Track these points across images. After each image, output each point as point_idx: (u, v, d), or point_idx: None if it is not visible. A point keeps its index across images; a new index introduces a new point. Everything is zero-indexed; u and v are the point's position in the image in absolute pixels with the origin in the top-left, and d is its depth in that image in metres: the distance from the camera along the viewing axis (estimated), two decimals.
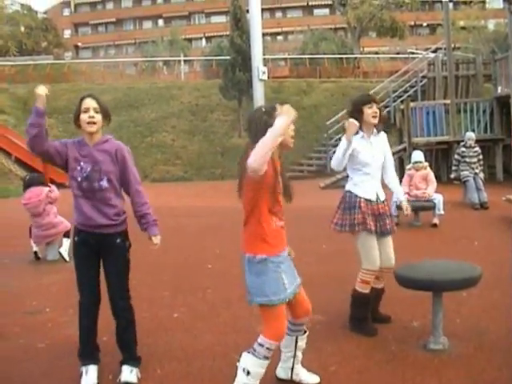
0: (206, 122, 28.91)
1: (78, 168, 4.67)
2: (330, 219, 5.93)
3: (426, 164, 12.66)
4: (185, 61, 46.75)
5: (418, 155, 12.57)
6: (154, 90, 31.42)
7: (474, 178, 14.68)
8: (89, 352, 4.85)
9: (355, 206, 5.77)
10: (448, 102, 20.26)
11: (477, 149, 15.31)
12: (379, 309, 6.19)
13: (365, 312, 5.84)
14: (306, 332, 4.67)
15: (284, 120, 3.88)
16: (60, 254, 9.72)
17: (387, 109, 24.78)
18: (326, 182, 20.31)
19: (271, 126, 3.90)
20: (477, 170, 14.96)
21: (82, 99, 4.70)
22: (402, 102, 23.59)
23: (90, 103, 4.67)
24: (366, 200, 5.80)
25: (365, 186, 5.82)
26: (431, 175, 12.40)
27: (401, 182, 10.96)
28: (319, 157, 25.35)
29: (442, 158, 21.14)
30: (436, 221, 11.89)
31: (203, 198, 18.56)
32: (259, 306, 4.24)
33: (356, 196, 5.81)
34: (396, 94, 25.66)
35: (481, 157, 15.31)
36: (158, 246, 4.91)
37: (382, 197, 5.95)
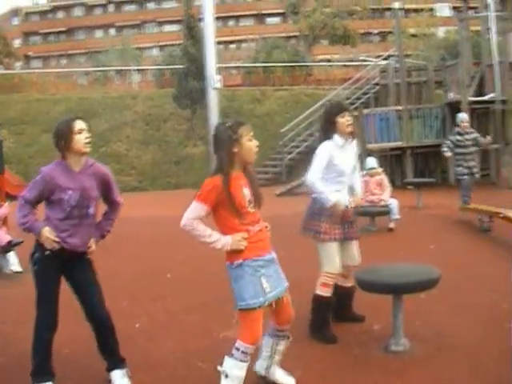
0: (160, 131, 28.77)
1: (66, 197, 4.64)
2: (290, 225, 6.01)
3: (381, 170, 12.79)
4: (137, 70, 46.58)
5: (372, 161, 12.70)
6: (107, 99, 31.17)
7: (468, 178, 13.16)
8: (47, 368, 4.79)
9: (324, 213, 5.81)
10: (401, 108, 20.53)
11: (474, 135, 13.31)
12: (352, 308, 6.30)
13: (325, 316, 5.89)
14: (288, 338, 4.76)
15: (223, 245, 4.29)
16: (13, 271, 9.61)
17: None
18: (282, 189, 20.44)
19: (235, 140, 4.25)
20: (473, 164, 13.21)
21: (71, 121, 4.71)
22: (355, 108, 23.84)
23: (82, 124, 4.73)
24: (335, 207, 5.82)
25: (336, 195, 5.81)
26: (386, 181, 12.55)
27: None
28: (274, 164, 25.40)
29: (395, 163, 21.41)
30: (392, 225, 12.06)
31: (159, 207, 18.50)
32: (239, 310, 4.33)
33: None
34: (349, 101, 25.89)
35: (481, 140, 13.41)
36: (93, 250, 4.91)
37: (351, 204, 6.04)
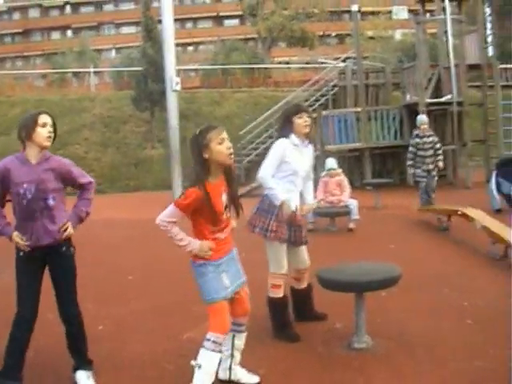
0: (119, 133, 28.66)
1: (22, 191, 4.61)
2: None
3: (340, 170, 12.89)
4: (94, 72, 46.29)
5: (331, 162, 12.78)
6: (65, 101, 30.94)
7: (428, 180, 13.34)
8: (18, 370, 4.74)
9: (273, 212, 5.79)
10: (359, 109, 20.71)
11: (432, 138, 13.46)
12: (313, 307, 6.34)
13: (283, 316, 5.93)
14: (244, 331, 4.83)
15: (192, 249, 4.39)
16: None
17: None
18: (241, 191, 20.47)
19: (204, 146, 4.28)
20: (432, 166, 13.29)
21: (37, 114, 4.70)
22: (314, 110, 23.98)
23: (47, 119, 4.72)
24: None
25: (287, 195, 5.81)
26: (345, 181, 12.66)
27: (316, 188, 11.20)
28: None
29: (354, 164, 21.60)
30: (352, 225, 12.17)
31: (119, 210, 18.42)
32: (206, 303, 4.46)
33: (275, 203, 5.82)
34: (308, 102, 26.03)
35: (438, 146, 13.45)
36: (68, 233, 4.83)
37: (299, 209, 6.05)
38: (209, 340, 4.40)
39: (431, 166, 13.30)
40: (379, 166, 22.26)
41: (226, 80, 38.05)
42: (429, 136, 13.34)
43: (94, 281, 8.90)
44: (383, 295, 6.39)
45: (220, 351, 4.47)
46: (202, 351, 4.41)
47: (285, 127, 5.92)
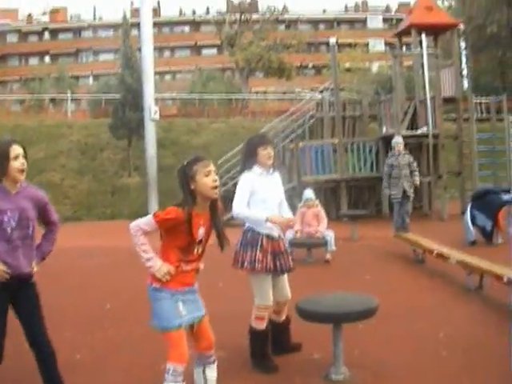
0: (96, 160, 28.61)
1: (6, 219, 4.55)
2: (231, 257, 6.04)
3: (317, 202, 12.93)
4: (72, 99, 46.19)
5: (309, 193, 12.81)
6: (42, 128, 30.88)
7: (402, 199, 13.70)
8: None
9: (257, 243, 5.83)
10: (336, 141, 20.84)
11: (407, 157, 13.94)
12: (290, 339, 6.35)
13: (263, 348, 5.94)
14: (214, 362, 4.74)
15: (155, 271, 4.38)
16: None
17: (276, 148, 25.20)
18: None
19: (190, 178, 4.39)
20: (407, 185, 13.64)
21: (7, 145, 4.59)
22: (291, 141, 24.10)
23: (18, 150, 4.62)
24: (267, 237, 5.89)
25: (266, 224, 5.85)
26: (322, 212, 12.69)
27: None
28: None
29: (330, 195, 21.67)
30: (328, 257, 12.17)
31: (94, 238, 18.35)
32: (161, 332, 4.46)
33: (258, 233, 5.87)
34: (284, 133, 26.13)
35: (414, 166, 13.87)
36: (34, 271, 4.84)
37: (281, 234, 6.14)
38: (168, 371, 4.36)
39: (406, 185, 13.64)
40: (355, 198, 22.35)
41: (204, 109, 38.20)
42: (404, 155, 13.60)
43: (70, 309, 8.88)
44: (360, 326, 6.41)
45: (182, 381, 4.38)
46: None
47: (249, 158, 5.98)
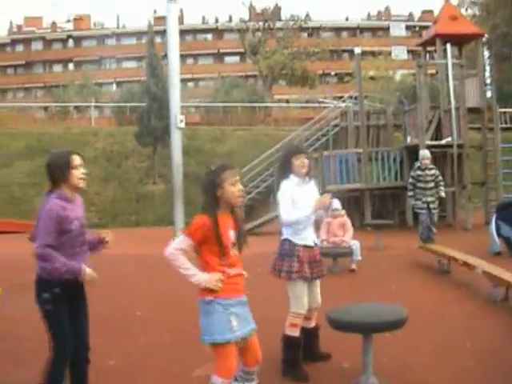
0: (121, 168, 28.86)
1: (74, 227, 4.77)
2: (269, 265, 6.21)
3: (343, 211, 13.00)
4: (95, 106, 46.50)
5: (335, 203, 12.76)
6: (67, 135, 31.17)
7: (428, 210, 13.61)
8: None
9: (293, 254, 6.01)
10: (360, 150, 20.90)
11: (434, 171, 13.79)
12: (319, 346, 6.47)
13: (296, 355, 6.01)
14: (255, 380, 4.79)
15: (200, 282, 4.44)
16: None
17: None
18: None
19: (218, 185, 4.47)
20: (431, 199, 13.57)
21: (69, 155, 4.82)
22: (315, 150, 24.19)
23: (79, 160, 4.85)
24: (304, 247, 6.07)
25: (303, 233, 6.08)
26: (348, 222, 12.73)
27: (318, 229, 11.35)
28: None
29: (354, 204, 21.70)
30: (354, 266, 12.22)
31: (121, 245, 18.38)
32: (210, 345, 4.50)
33: (295, 244, 6.05)
34: (308, 142, 26.24)
35: (440, 179, 13.81)
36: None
37: (317, 241, 6.33)
38: None
39: (430, 199, 13.58)
40: (379, 207, 22.37)
41: (226, 117, 38.31)
42: (430, 169, 13.63)
43: (101, 316, 8.97)
44: (387, 335, 6.49)
45: None
46: None
47: (284, 168, 6.20)
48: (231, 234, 4.57)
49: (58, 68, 75.67)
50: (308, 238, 6.15)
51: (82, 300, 5.08)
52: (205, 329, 4.47)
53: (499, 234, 13.52)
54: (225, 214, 4.56)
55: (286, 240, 6.13)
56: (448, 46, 19.72)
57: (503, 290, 8.95)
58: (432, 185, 13.63)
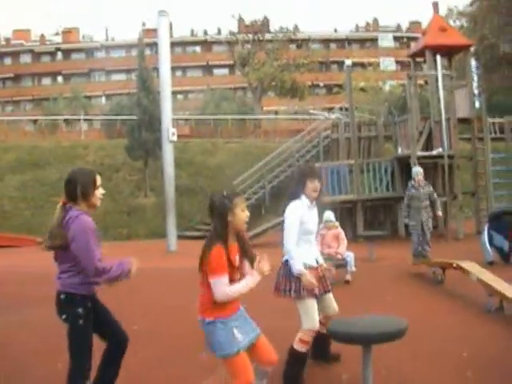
0: (112, 181, 28.78)
1: (97, 241, 4.92)
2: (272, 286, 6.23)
3: (337, 223, 12.99)
4: (85, 119, 46.42)
5: (329, 215, 12.71)
6: (58, 149, 31.14)
7: (422, 230, 13.49)
8: None
9: None
10: (352, 162, 20.97)
11: (428, 189, 13.64)
12: (330, 348, 6.65)
13: (299, 371, 6.06)
14: (266, 379, 5.03)
15: (256, 281, 4.70)
16: None
17: (291, 168, 25.45)
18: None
19: (230, 209, 4.65)
20: (424, 218, 13.42)
21: (94, 174, 5.03)
22: (306, 161, 24.30)
23: (100, 180, 5.07)
24: (308, 267, 6.10)
25: (306, 254, 6.14)
26: (342, 234, 12.72)
27: None
28: None
29: (346, 216, 21.74)
30: (349, 277, 12.23)
31: (114, 258, 18.39)
32: (223, 360, 4.65)
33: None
34: (299, 153, 26.35)
35: (435, 197, 13.68)
36: None
37: (320, 260, 6.39)
38: None
39: (424, 218, 13.49)
40: (371, 218, 22.45)
41: (217, 129, 38.33)
42: (424, 186, 13.61)
43: None
44: (383, 346, 6.52)
45: None
46: None
47: (298, 187, 6.21)
48: (236, 259, 4.76)
49: (46, 81, 75.57)
50: (310, 257, 6.23)
51: (98, 302, 5.28)
52: (213, 346, 4.67)
53: (492, 244, 13.59)
54: (231, 241, 4.73)
55: (287, 261, 6.13)
56: (438, 57, 19.85)
57: (498, 300, 8.98)
58: (427, 203, 13.54)
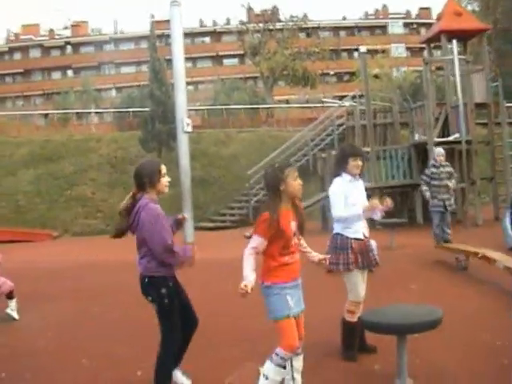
0: (126, 174, 28.60)
1: (169, 229, 5.44)
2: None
3: None
4: (96, 112, 46.46)
5: None
6: (70, 142, 31.07)
7: (443, 212, 13.42)
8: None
9: (347, 247, 6.37)
10: (368, 149, 20.80)
11: (449, 169, 13.64)
12: (365, 339, 6.65)
13: (351, 338, 6.44)
14: (301, 353, 5.24)
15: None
16: (8, 314, 9.52)
17: (306, 157, 25.34)
18: (251, 231, 20.29)
19: (282, 179, 4.99)
20: (445, 196, 13.32)
21: (159, 164, 5.57)
22: (321, 149, 24.17)
23: (165, 169, 5.56)
24: (356, 240, 6.38)
25: (354, 227, 6.40)
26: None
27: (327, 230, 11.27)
28: (241, 206, 25.53)
29: None
30: None
31: (130, 252, 18.16)
32: (274, 322, 5.01)
33: (347, 238, 6.40)
34: (314, 142, 26.22)
35: (454, 175, 13.77)
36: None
37: (367, 233, 6.62)
38: (277, 355, 4.92)
39: (446, 196, 13.38)
40: None
41: (229, 119, 38.24)
42: (445, 166, 13.48)
43: (127, 324, 8.88)
44: (416, 336, 6.42)
45: (285, 367, 4.99)
46: (269, 363, 4.96)
47: (340, 165, 6.53)
48: (293, 225, 5.07)
49: (56, 75, 75.78)
50: (359, 231, 6.47)
51: (179, 284, 5.68)
52: (268, 308, 5.02)
53: None
54: (287, 207, 5.06)
55: (337, 234, 6.46)
56: (454, 41, 19.64)
57: None
58: (447, 182, 13.39)
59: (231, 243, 18.63)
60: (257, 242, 4.93)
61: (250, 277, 4.82)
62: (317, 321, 6.79)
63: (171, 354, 5.45)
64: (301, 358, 5.24)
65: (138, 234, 5.40)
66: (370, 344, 6.64)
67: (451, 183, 13.52)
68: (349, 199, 6.36)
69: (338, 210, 6.33)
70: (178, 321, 5.46)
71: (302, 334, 5.21)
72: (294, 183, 5.06)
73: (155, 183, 5.42)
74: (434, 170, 13.51)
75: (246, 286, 4.73)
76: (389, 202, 6.43)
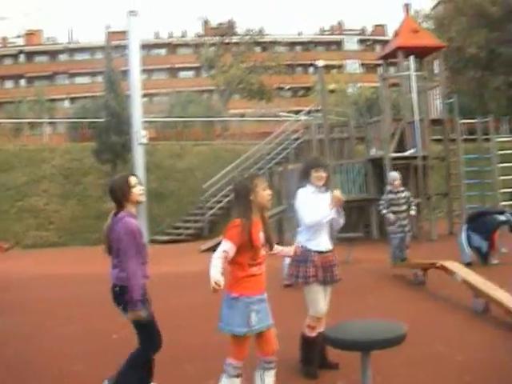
0: (80, 185, 28.34)
1: (143, 241, 5.61)
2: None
3: None
4: (49, 122, 45.87)
5: None
6: (23, 152, 30.51)
7: (403, 236, 13.29)
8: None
9: (307, 259, 6.32)
10: None
11: (405, 193, 13.47)
12: (326, 355, 6.61)
13: (310, 354, 6.43)
14: (273, 368, 5.26)
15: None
16: None
17: (261, 171, 25.31)
18: (207, 245, 20.15)
19: (251, 190, 5.13)
20: (404, 222, 13.24)
21: (127, 177, 5.68)
22: (276, 163, 24.18)
23: (135, 179, 5.70)
24: (318, 253, 6.34)
25: (317, 239, 6.38)
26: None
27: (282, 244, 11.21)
28: (196, 220, 25.36)
29: None
30: None
31: (86, 264, 18.01)
32: (225, 332, 5.06)
33: (309, 250, 6.36)
34: (269, 156, 26.23)
35: (412, 200, 13.50)
36: None
37: (331, 246, 6.56)
38: (229, 365, 5.02)
39: (404, 222, 13.32)
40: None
41: (183, 132, 38.05)
42: (402, 191, 13.47)
43: (79, 341, 8.69)
44: (375, 352, 6.37)
45: (239, 376, 5.05)
46: (224, 376, 5.05)
47: (303, 177, 6.55)
48: (261, 236, 5.18)
49: (9, 84, 74.87)
50: (321, 244, 6.47)
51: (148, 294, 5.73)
52: (225, 319, 5.03)
53: (470, 245, 13.55)
54: (256, 217, 5.18)
55: (299, 246, 6.35)
56: (411, 58, 19.86)
57: (484, 301, 8.86)
58: (405, 207, 13.33)
59: (186, 257, 18.53)
60: (227, 246, 4.97)
61: (217, 275, 4.80)
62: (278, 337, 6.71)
63: (144, 360, 5.66)
64: (273, 372, 5.24)
65: (113, 245, 5.53)
66: (332, 360, 6.58)
67: (413, 211, 13.51)
68: (315, 210, 6.32)
69: (308, 216, 6.32)
70: (156, 330, 5.70)
71: (274, 348, 5.22)
72: (264, 193, 5.20)
73: (127, 195, 5.56)
74: (391, 195, 13.39)
75: (217, 284, 4.75)
76: (337, 193, 6.36)
